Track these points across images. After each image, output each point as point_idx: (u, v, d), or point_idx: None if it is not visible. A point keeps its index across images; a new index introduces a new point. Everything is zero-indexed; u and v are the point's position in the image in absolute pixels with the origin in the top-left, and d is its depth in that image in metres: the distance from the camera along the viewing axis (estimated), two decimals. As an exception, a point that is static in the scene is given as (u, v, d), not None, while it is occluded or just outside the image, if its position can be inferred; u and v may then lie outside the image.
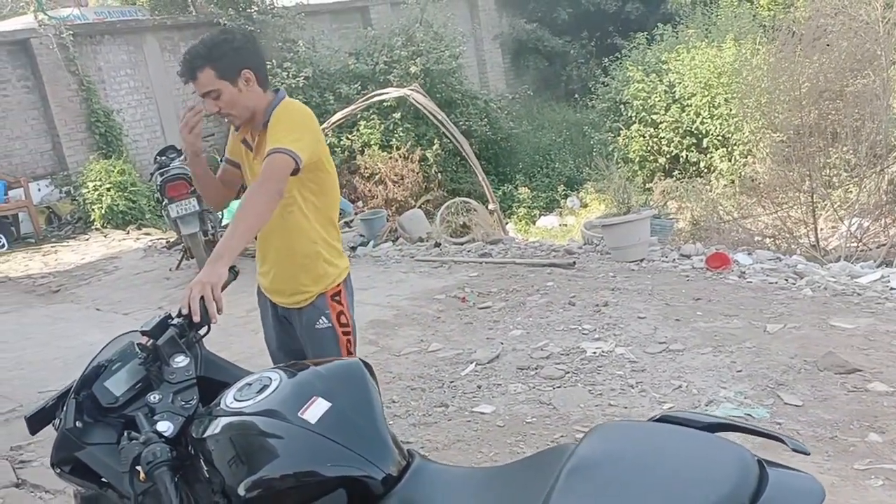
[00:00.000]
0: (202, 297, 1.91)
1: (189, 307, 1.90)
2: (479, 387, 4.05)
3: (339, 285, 2.54)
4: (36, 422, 1.98)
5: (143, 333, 1.88)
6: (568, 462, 1.33)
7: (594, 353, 4.25)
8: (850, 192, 8.67)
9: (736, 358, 3.92)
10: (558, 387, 3.91)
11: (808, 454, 1.33)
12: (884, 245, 7.61)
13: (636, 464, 1.27)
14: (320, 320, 2.51)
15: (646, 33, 13.83)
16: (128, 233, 10.06)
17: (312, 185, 2.45)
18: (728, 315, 4.57)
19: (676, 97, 11.92)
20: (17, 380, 4.90)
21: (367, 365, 1.81)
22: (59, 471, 1.89)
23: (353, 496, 1.56)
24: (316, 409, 1.62)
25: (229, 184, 2.70)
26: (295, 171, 2.26)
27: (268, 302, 2.65)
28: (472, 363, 4.37)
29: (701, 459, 1.23)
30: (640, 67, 12.63)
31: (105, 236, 10.01)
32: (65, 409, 1.90)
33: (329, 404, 1.63)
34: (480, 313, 5.29)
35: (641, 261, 6.03)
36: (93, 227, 10.38)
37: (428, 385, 4.19)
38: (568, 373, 4.04)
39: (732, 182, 10.54)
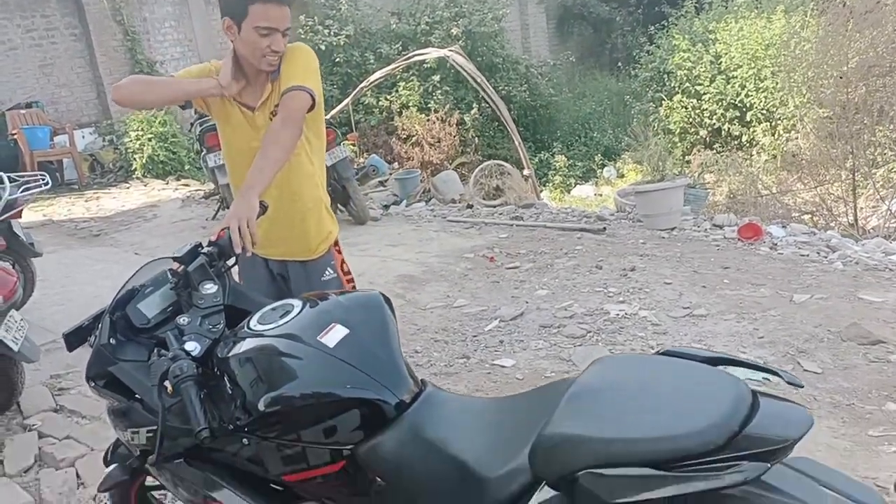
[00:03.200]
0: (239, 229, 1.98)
1: (230, 239, 1.97)
2: (502, 342, 4.12)
3: (336, 235, 2.61)
4: (73, 339, 2.08)
5: (175, 260, 1.96)
6: (569, 389, 1.38)
7: (617, 314, 4.27)
8: (894, 171, 8.47)
9: (759, 325, 3.92)
10: (579, 345, 3.95)
11: (802, 386, 1.36)
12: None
13: (634, 390, 1.32)
14: (326, 272, 2.55)
15: (695, 1, 13.52)
16: (167, 183, 10.26)
17: (315, 126, 2.46)
18: (755, 284, 4.55)
19: (722, 68, 11.68)
20: (58, 314, 5.09)
21: (386, 298, 1.87)
22: (93, 384, 1.99)
23: (365, 417, 1.63)
24: (334, 335, 1.69)
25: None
26: (310, 109, 2.28)
27: (257, 260, 2.56)
28: (496, 319, 4.43)
29: (698, 388, 1.28)
30: (686, 36, 12.38)
31: (145, 185, 10.23)
32: (100, 327, 2.00)
33: (347, 331, 1.69)
34: (508, 273, 5.34)
35: (673, 229, 6.00)
36: (134, 177, 10.61)
37: (451, 338, 4.26)
38: (590, 332, 4.09)
39: (774, 157, 10.36)
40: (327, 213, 2.59)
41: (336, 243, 2.63)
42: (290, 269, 2.56)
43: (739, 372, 1.33)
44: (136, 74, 2.45)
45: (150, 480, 2.32)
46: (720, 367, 1.34)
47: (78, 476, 3.14)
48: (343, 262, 2.64)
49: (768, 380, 1.37)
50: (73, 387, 3.99)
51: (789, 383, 1.32)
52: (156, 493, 2.46)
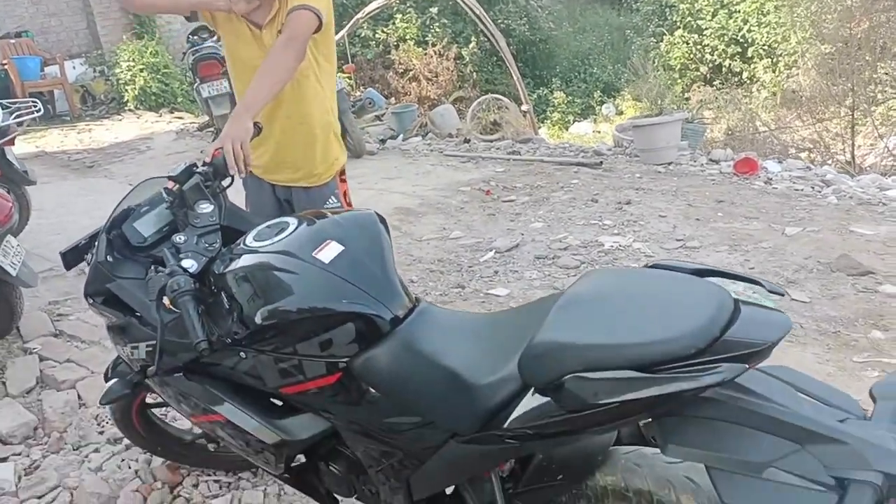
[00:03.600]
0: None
1: (224, 160, 1.97)
2: (496, 272, 4.16)
3: (343, 164, 2.59)
4: (70, 258, 2.10)
5: (170, 179, 1.97)
6: (558, 300, 1.41)
7: (612, 246, 4.31)
8: (894, 109, 8.43)
9: (750, 257, 3.96)
10: (573, 275, 3.99)
11: (783, 295, 1.40)
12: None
13: (621, 299, 1.36)
14: (330, 200, 2.54)
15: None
16: (160, 115, 10.15)
17: (324, 48, 2.41)
18: (749, 217, 4.58)
19: (724, 2, 11.48)
20: (54, 243, 5.10)
21: (380, 217, 1.89)
22: (91, 301, 2.02)
23: (360, 331, 1.66)
24: (329, 251, 1.70)
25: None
26: (317, 30, 2.23)
27: (264, 185, 2.56)
28: (491, 251, 4.47)
29: (682, 296, 1.31)
30: (689, -31, 12.13)
31: (138, 118, 10.13)
32: (96, 245, 2.02)
33: (342, 247, 1.71)
34: (504, 206, 5.35)
35: (669, 164, 6.00)
36: (126, 108, 10.49)
37: (447, 268, 4.31)
38: (584, 263, 4.13)
39: (774, 94, 10.27)
40: (335, 139, 2.55)
41: (342, 172, 2.61)
42: (295, 194, 2.55)
43: (726, 283, 1.36)
44: None
45: (150, 398, 2.39)
46: (705, 278, 1.38)
47: (79, 397, 3.21)
48: (346, 191, 2.63)
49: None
50: (71, 313, 4.04)
51: (771, 292, 1.36)
52: (156, 412, 2.53)
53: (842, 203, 4.76)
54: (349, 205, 2.67)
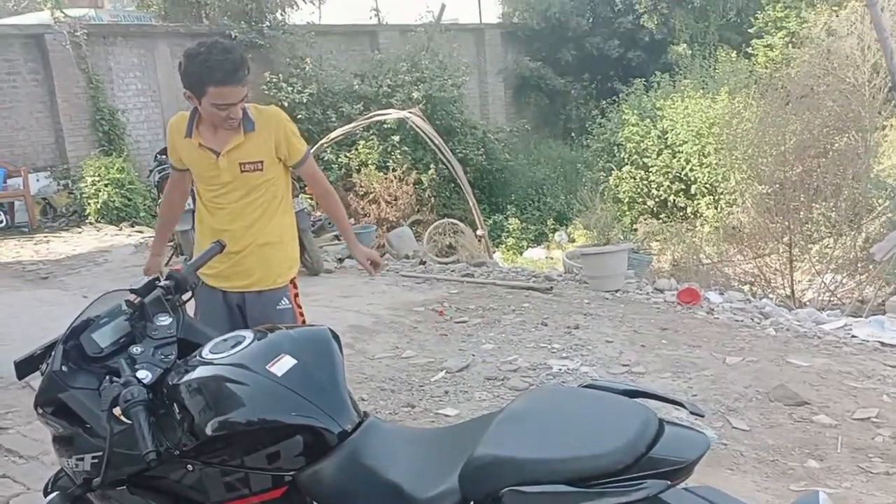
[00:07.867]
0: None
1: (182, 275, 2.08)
2: (447, 392, 4.21)
3: (297, 267, 2.84)
4: (24, 367, 2.11)
5: (132, 291, 2.04)
6: (498, 416, 1.50)
7: (560, 369, 4.42)
8: (829, 247, 8.91)
9: (693, 384, 4.10)
10: (522, 398, 4.06)
11: (703, 415, 1.51)
12: (859, 301, 7.82)
13: (556, 416, 1.45)
14: (282, 301, 2.73)
15: (644, 80, 14.22)
16: (121, 229, 10.19)
17: (289, 176, 2.78)
18: (691, 346, 4.76)
19: (668, 143, 12.24)
20: (1, 354, 5.00)
21: (333, 333, 1.97)
22: (41, 411, 2.02)
23: (308, 444, 1.71)
24: (282, 365, 1.78)
25: (183, 195, 3.00)
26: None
27: (215, 292, 2.74)
28: (442, 371, 4.53)
29: (611, 416, 1.41)
30: (635, 112, 12.98)
31: (98, 230, 10.15)
32: (52, 354, 2.05)
33: (295, 361, 1.78)
34: (456, 327, 5.46)
35: (617, 291, 6.23)
36: (87, 221, 10.51)
37: (398, 387, 4.34)
38: (532, 385, 4.20)
39: (716, 229, 10.80)
40: (294, 251, 2.81)
41: (293, 280, 2.81)
42: (247, 299, 2.71)
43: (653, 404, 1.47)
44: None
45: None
46: (634, 399, 1.48)
47: (11, 514, 3.10)
48: (297, 296, 2.81)
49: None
50: (11, 427, 3.93)
51: (691, 413, 1.46)
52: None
53: (779, 335, 4.99)
54: (299, 307, 2.82)
